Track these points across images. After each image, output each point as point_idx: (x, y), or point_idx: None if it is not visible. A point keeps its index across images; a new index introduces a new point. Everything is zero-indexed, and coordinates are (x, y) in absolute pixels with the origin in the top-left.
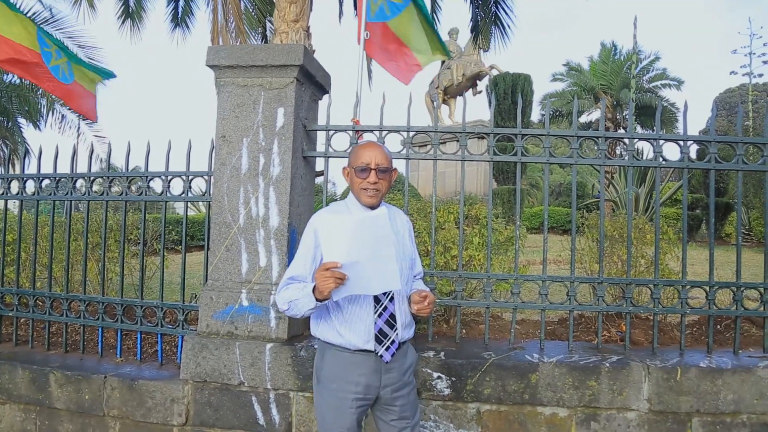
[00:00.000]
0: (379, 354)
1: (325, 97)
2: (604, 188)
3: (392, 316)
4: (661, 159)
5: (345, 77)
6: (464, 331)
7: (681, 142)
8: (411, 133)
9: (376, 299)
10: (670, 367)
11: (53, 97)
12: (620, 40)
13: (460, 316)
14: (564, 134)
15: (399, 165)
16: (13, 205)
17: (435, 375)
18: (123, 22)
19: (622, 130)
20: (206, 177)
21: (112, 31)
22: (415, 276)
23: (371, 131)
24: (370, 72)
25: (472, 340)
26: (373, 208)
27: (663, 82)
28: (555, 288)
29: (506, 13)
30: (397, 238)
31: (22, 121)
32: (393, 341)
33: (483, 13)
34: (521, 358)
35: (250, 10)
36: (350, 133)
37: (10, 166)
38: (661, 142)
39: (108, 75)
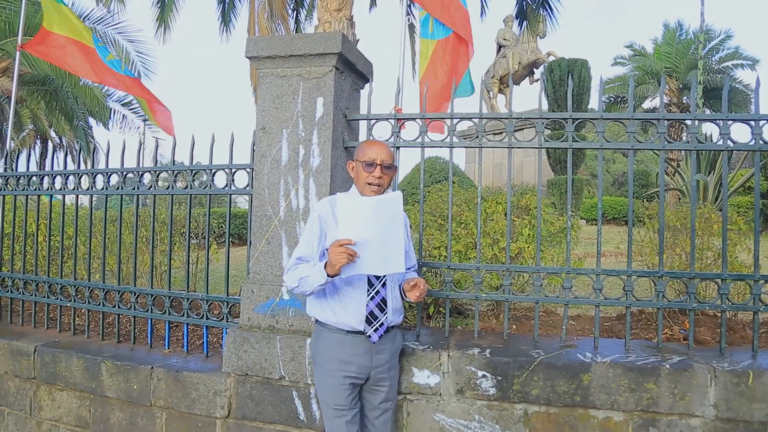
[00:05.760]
0: (367, 334)
1: (367, 86)
2: (665, 175)
3: (383, 300)
4: (729, 141)
5: (391, 66)
6: (514, 326)
7: (752, 122)
8: (455, 121)
9: (370, 283)
10: (740, 371)
11: (114, 99)
12: (685, 20)
13: (508, 311)
14: (618, 117)
15: (443, 153)
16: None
17: (480, 373)
18: (158, 27)
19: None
20: (248, 170)
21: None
22: (408, 268)
23: (413, 119)
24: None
25: (521, 337)
26: None
27: (735, 62)
28: (614, 282)
29: None
30: None
31: (91, 121)
32: (382, 324)
33: None
34: (572, 357)
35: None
36: (392, 122)
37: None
38: (729, 122)
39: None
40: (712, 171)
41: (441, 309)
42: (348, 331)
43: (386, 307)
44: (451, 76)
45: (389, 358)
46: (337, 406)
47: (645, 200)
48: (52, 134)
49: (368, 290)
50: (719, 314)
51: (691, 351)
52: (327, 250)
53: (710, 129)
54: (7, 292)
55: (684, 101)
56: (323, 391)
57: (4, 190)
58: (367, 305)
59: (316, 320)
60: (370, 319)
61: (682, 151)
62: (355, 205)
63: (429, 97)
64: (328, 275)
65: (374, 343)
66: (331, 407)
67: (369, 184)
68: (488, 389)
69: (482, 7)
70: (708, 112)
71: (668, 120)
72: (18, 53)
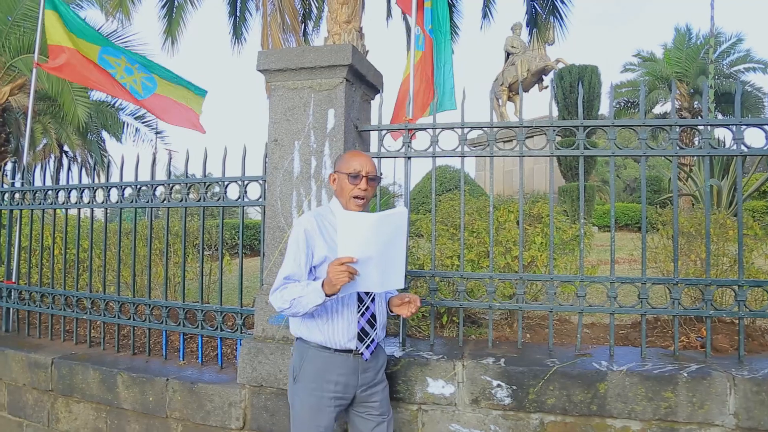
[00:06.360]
0: (360, 352)
1: (378, 96)
2: (677, 181)
3: (373, 316)
4: (743, 146)
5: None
6: (528, 335)
7: (766, 127)
8: (465, 130)
9: (360, 299)
10: (760, 378)
11: (126, 113)
12: (695, 23)
13: (521, 320)
14: (630, 124)
15: (455, 163)
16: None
17: (494, 383)
18: (165, 40)
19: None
20: (261, 181)
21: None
22: None
23: (424, 129)
24: None
25: (535, 346)
26: None
27: (746, 65)
28: (628, 289)
29: (563, 1)
30: None
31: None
32: (373, 340)
33: (539, 4)
34: (588, 365)
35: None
36: (403, 132)
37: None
38: (743, 127)
39: (200, 92)
40: (725, 175)
41: (454, 318)
42: (335, 350)
43: (376, 322)
44: (421, 87)
45: (374, 375)
46: (318, 428)
47: (658, 206)
48: (66, 148)
49: (358, 306)
50: (737, 321)
51: (708, 359)
52: (316, 267)
53: (722, 133)
54: (25, 305)
55: (695, 106)
56: (302, 413)
57: (22, 204)
58: (358, 322)
59: (299, 337)
60: (362, 336)
61: (695, 157)
62: (358, 220)
63: (398, 103)
64: (326, 295)
65: (366, 360)
66: (310, 429)
67: (355, 197)
68: (503, 399)
69: (486, 14)
70: (720, 116)
71: (680, 126)
72: (34, 70)
